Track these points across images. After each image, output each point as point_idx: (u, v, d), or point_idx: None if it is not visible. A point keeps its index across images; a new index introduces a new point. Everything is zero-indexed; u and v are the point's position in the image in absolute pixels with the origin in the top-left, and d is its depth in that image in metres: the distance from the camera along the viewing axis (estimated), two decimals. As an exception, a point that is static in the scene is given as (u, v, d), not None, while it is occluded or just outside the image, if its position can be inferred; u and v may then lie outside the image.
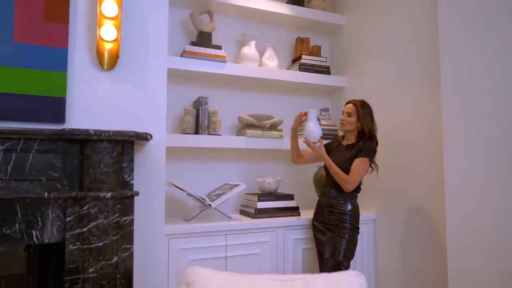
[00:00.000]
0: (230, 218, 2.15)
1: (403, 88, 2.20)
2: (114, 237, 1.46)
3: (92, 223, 1.43)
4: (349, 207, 1.96)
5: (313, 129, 1.92)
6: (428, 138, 2.02)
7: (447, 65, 1.67)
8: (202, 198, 2.06)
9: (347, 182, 1.90)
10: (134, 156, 1.59)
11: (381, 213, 2.36)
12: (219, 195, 2.12)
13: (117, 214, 1.47)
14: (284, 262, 2.13)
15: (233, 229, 2.02)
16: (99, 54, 1.70)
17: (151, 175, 1.80)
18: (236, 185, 2.18)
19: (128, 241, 1.51)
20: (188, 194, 2.13)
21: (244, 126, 2.44)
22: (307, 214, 2.26)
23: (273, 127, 2.47)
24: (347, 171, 1.92)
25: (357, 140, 2.01)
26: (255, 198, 2.25)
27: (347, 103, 2.07)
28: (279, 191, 2.43)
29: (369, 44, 2.51)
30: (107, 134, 1.42)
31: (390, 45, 2.31)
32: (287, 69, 2.73)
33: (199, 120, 2.27)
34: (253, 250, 2.06)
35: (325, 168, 2.08)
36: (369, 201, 2.41)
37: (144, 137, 1.53)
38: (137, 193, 1.54)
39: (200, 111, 2.27)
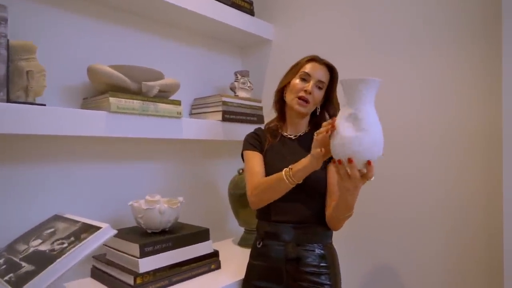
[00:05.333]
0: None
1: (384, 50, 1.32)
2: None
3: None
4: (325, 252, 1.03)
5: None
6: (423, 132, 1.21)
7: None
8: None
9: (350, 212, 0.96)
10: None
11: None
12: (40, 258, 0.82)
13: None
14: None
15: None
16: None
17: None
18: (88, 228, 0.91)
19: None
20: None
21: (104, 90, 1.14)
22: (231, 264, 1.19)
23: (165, 96, 1.26)
24: (325, 186, 1.04)
25: (310, 129, 1.13)
26: (135, 248, 1.02)
27: (311, 60, 1.11)
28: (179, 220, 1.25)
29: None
30: None
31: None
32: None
33: (-20, 64, 0.87)
34: None
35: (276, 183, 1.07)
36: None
37: None
38: None
39: (-15, 42, 0.87)
